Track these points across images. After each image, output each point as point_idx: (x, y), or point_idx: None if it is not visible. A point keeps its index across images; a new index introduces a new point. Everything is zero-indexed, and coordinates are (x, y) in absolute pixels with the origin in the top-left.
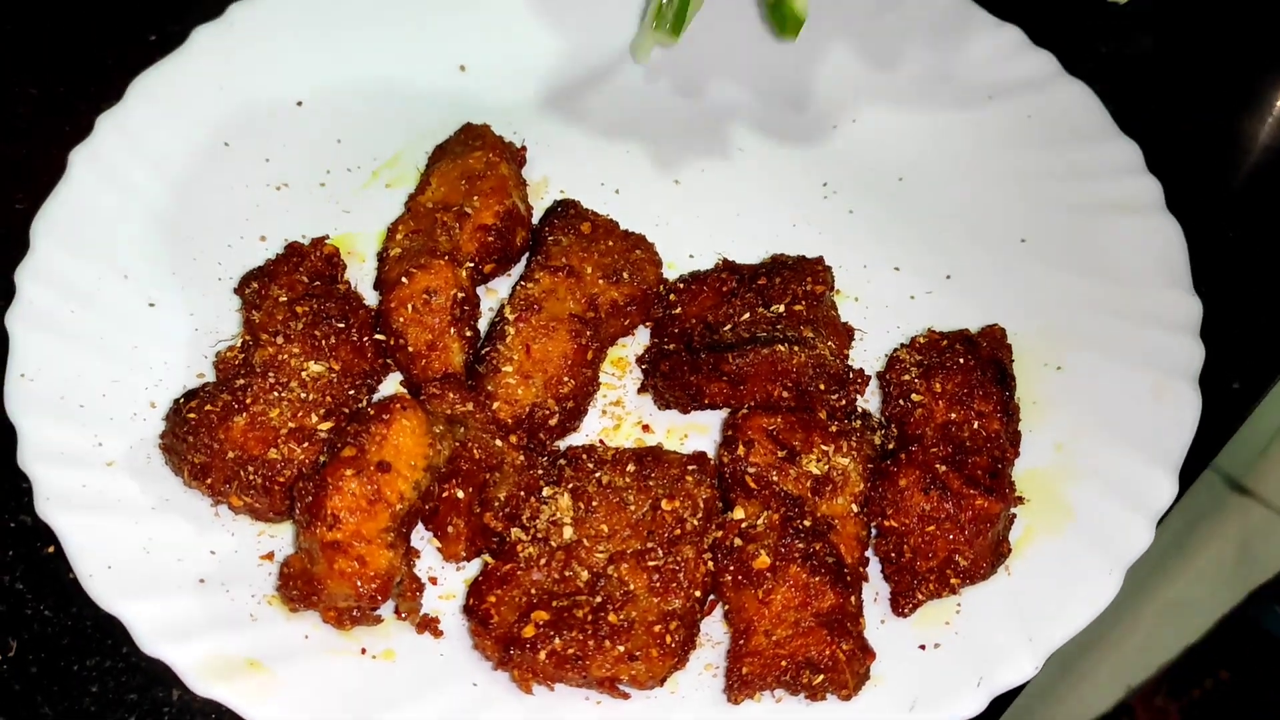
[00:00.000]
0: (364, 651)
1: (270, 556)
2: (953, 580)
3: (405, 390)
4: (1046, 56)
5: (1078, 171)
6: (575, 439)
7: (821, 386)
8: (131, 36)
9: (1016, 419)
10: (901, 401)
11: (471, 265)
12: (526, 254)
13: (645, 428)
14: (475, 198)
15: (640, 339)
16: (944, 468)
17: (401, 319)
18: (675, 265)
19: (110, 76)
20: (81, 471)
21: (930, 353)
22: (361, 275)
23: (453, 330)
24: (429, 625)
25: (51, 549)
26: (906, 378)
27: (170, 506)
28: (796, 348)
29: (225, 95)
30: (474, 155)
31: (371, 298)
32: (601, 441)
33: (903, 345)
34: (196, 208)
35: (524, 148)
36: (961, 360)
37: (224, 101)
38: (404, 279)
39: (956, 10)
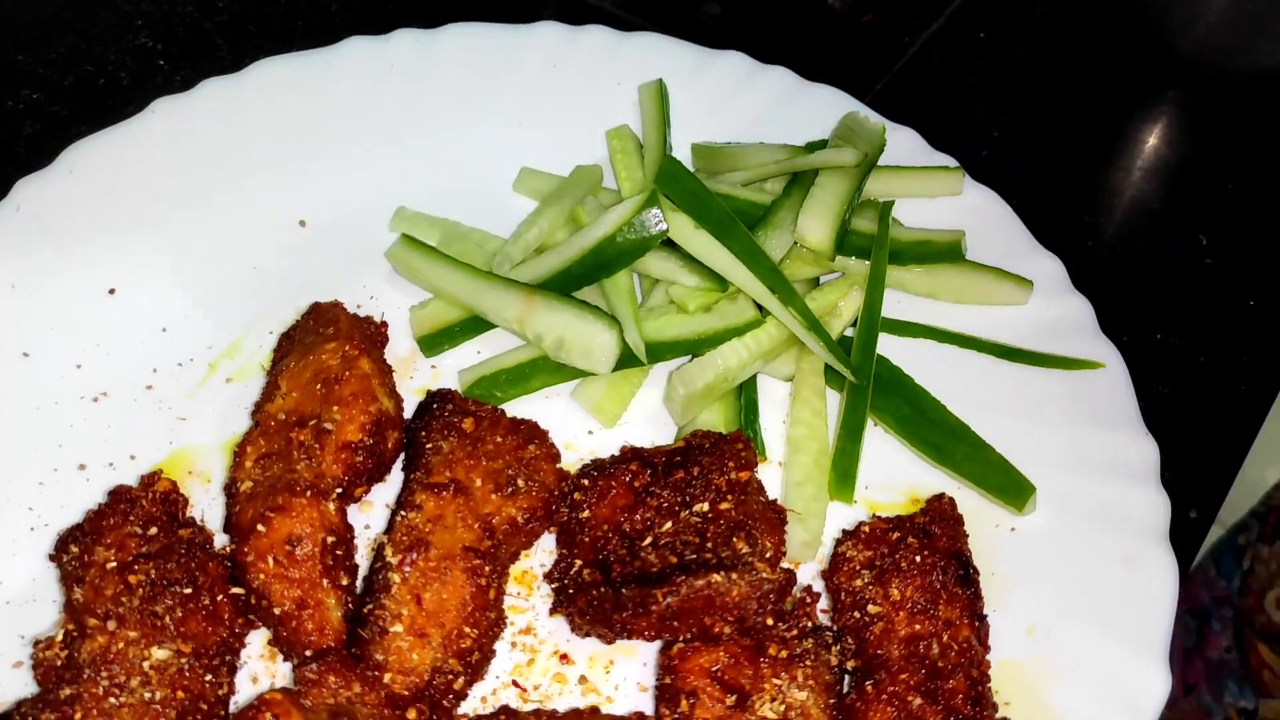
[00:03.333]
0: None
1: None
2: None
3: (274, 666)
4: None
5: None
6: (486, 686)
7: (770, 621)
8: None
9: (985, 622)
10: (856, 613)
11: (339, 492)
12: (400, 456)
13: (564, 658)
14: (335, 407)
15: (543, 543)
16: (918, 700)
17: (262, 575)
18: (573, 445)
19: None
20: None
21: (880, 548)
22: (208, 502)
23: (325, 582)
24: None
25: None
26: (859, 583)
27: None
28: (734, 575)
29: (18, 294)
30: (327, 349)
31: (222, 534)
32: (518, 686)
33: (847, 538)
34: None
35: (384, 322)
36: (918, 558)
37: (17, 301)
38: (260, 525)
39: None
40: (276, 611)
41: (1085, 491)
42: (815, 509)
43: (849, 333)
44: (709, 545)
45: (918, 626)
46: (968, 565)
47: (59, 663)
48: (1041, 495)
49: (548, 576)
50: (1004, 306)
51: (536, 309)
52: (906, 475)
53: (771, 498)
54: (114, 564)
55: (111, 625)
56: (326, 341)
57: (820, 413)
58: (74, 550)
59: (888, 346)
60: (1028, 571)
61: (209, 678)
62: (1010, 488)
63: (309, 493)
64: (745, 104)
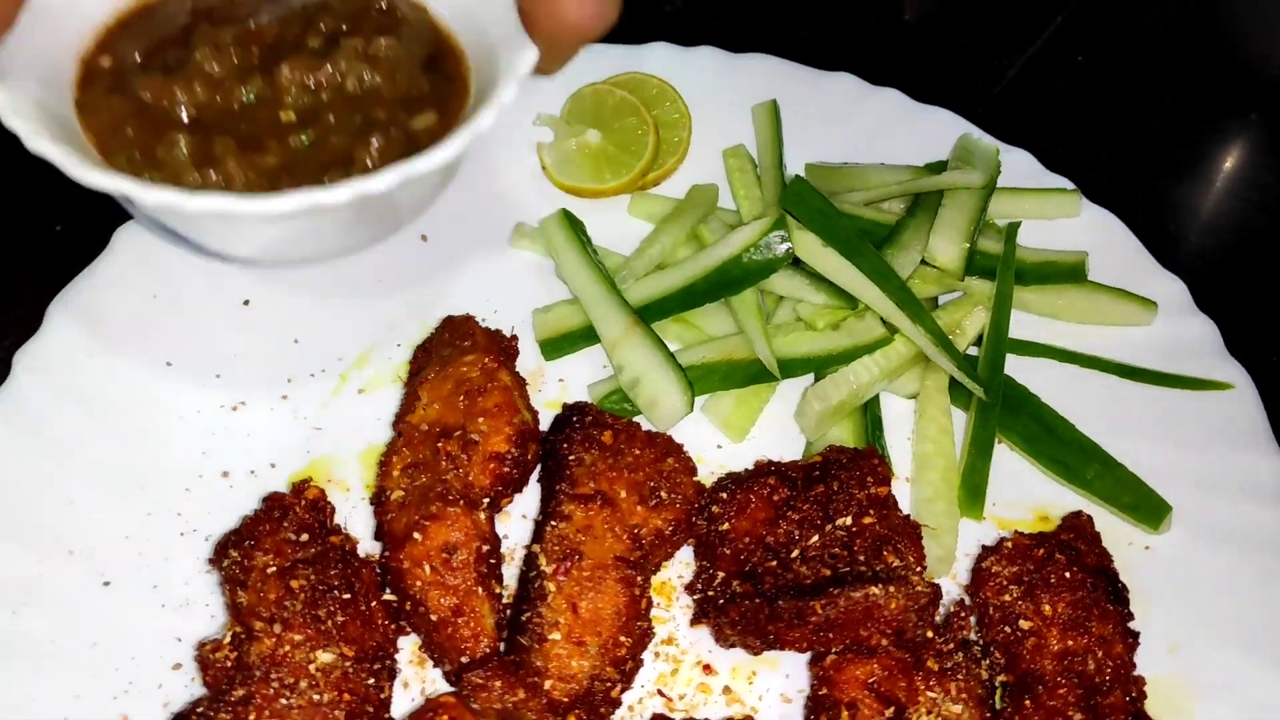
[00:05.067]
0: None
1: None
2: None
3: (431, 657)
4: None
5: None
6: (633, 695)
7: (930, 634)
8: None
9: (1136, 639)
10: (1006, 628)
11: (486, 502)
12: (537, 468)
13: (706, 668)
14: (480, 419)
15: (680, 556)
16: (1079, 715)
17: (419, 582)
18: (702, 459)
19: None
20: None
21: (1025, 563)
22: (349, 511)
23: (480, 590)
24: None
25: None
26: (1007, 598)
27: None
28: (892, 588)
29: (159, 304)
30: (466, 361)
31: (366, 540)
32: (663, 695)
33: (990, 553)
34: (141, 448)
35: (515, 336)
36: (1067, 574)
37: (158, 312)
38: (416, 534)
39: None
40: (433, 618)
41: (1217, 511)
42: (948, 525)
43: (971, 351)
44: (859, 558)
45: (1071, 642)
46: (1117, 581)
47: (229, 664)
48: (1174, 514)
49: (689, 588)
50: (1127, 327)
51: (631, 340)
52: (1033, 493)
53: (905, 512)
54: (274, 569)
55: (277, 629)
56: (465, 354)
57: (947, 429)
58: (234, 555)
59: (1011, 365)
60: (1164, 589)
61: (370, 681)
62: (1145, 506)
63: (461, 502)
64: (856, 125)
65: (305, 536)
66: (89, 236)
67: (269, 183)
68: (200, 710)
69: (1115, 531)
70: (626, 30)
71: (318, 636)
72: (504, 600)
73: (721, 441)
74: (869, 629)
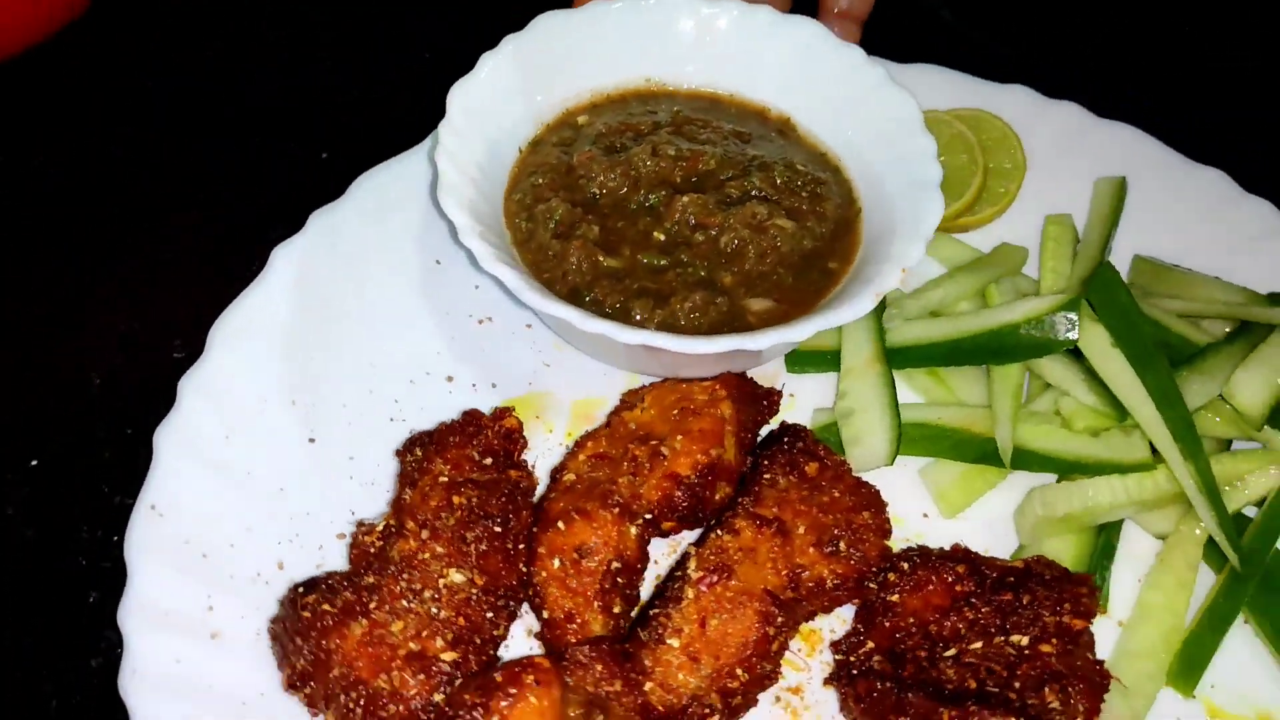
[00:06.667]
0: None
1: None
2: None
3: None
4: None
5: None
6: None
7: None
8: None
9: None
10: None
11: (648, 518)
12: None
13: None
14: (680, 437)
15: (842, 611)
16: None
17: (544, 573)
18: (903, 522)
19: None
20: (182, 640)
21: None
22: (545, 451)
23: (597, 604)
24: None
25: None
26: None
27: (265, 706)
28: None
29: (431, 210)
30: (702, 384)
31: (546, 485)
32: None
33: None
34: (388, 333)
35: (779, 393)
36: None
37: (433, 215)
38: (561, 523)
39: None
40: (544, 614)
41: None
42: (1146, 689)
43: (1249, 511)
44: (1015, 684)
45: None
46: None
47: (372, 550)
48: None
49: (834, 646)
50: None
51: (866, 373)
52: (1261, 691)
53: (1100, 657)
54: (445, 479)
55: (425, 535)
56: (705, 379)
57: (1187, 585)
58: (417, 454)
59: None
60: None
61: (489, 614)
62: None
63: (617, 509)
64: (1224, 236)
65: (489, 460)
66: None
67: (595, 276)
68: (330, 583)
69: None
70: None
71: (457, 555)
72: (621, 623)
73: (930, 512)
74: None
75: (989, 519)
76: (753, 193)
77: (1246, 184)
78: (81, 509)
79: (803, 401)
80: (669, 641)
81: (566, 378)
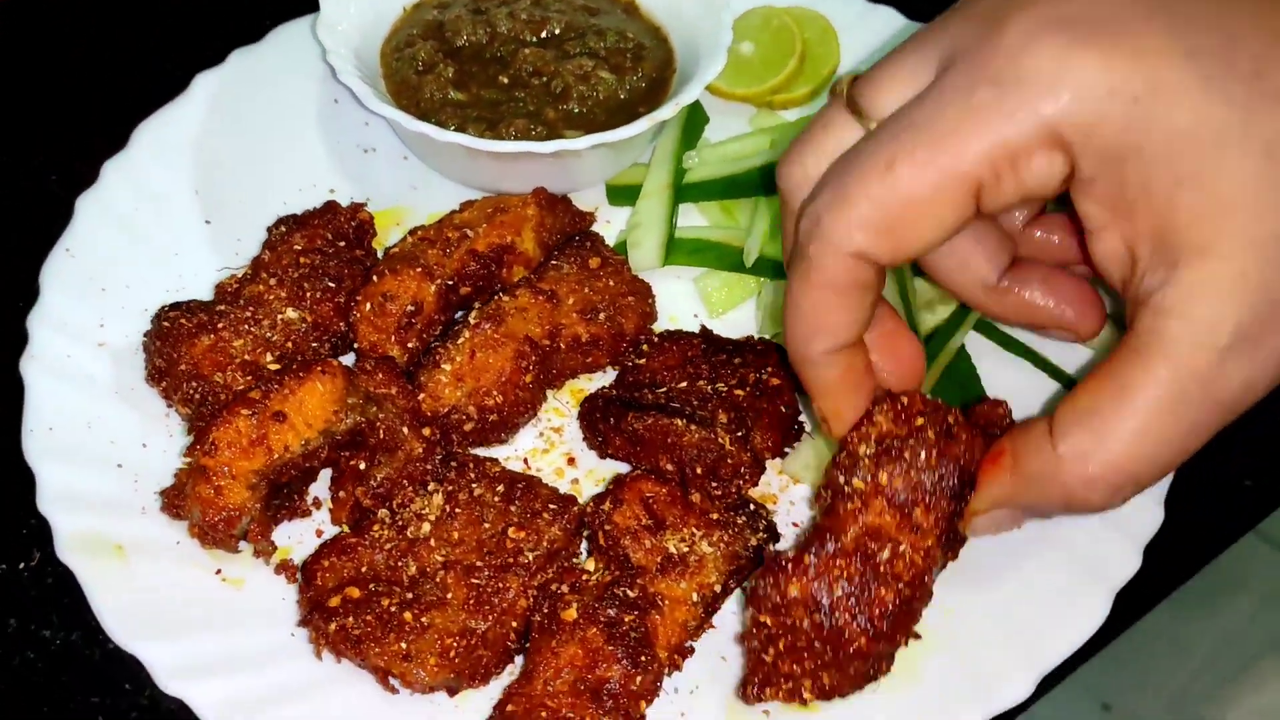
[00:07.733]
0: (219, 573)
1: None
2: (806, 695)
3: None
4: None
5: None
6: (504, 452)
7: (699, 470)
8: None
9: (954, 552)
10: (841, 477)
11: (448, 284)
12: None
13: (570, 460)
14: (484, 225)
15: (610, 377)
16: (841, 592)
17: (357, 314)
18: (676, 319)
19: None
20: (75, 343)
21: (899, 427)
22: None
23: (392, 338)
24: (286, 569)
25: None
26: (864, 449)
27: (133, 396)
28: (693, 426)
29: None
30: (522, 195)
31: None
32: (526, 464)
33: (882, 399)
34: (286, 152)
35: (592, 213)
36: (923, 454)
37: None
38: (375, 277)
39: None
40: (355, 346)
41: None
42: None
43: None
44: (701, 411)
45: (888, 518)
46: (967, 482)
47: (229, 290)
48: None
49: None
50: None
51: (657, 197)
52: None
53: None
54: (299, 248)
55: (272, 282)
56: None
57: None
58: (281, 229)
59: None
60: None
61: (315, 344)
62: None
63: (420, 269)
64: None
65: (342, 243)
66: None
67: (443, 105)
68: (190, 305)
69: None
70: None
71: (295, 299)
72: (417, 359)
73: (700, 313)
74: (663, 456)
75: (752, 323)
76: (585, 51)
77: None
78: None
79: (617, 229)
80: (442, 365)
81: (428, 195)
